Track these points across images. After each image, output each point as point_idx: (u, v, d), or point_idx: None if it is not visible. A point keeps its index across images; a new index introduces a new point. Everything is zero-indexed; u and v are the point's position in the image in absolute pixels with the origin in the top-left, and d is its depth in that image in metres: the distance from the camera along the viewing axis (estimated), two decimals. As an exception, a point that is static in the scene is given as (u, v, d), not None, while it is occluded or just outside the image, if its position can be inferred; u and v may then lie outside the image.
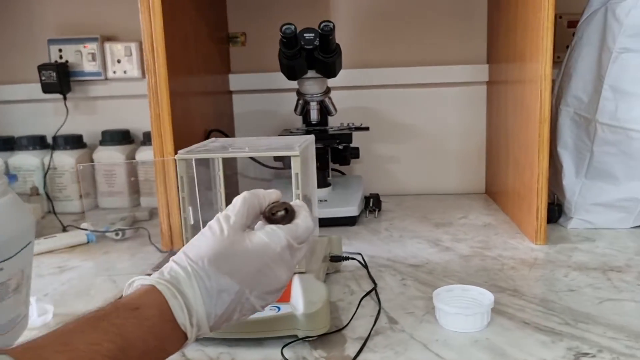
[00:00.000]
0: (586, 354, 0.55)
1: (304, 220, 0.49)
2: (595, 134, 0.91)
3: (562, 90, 0.98)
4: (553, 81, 1.04)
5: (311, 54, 0.95)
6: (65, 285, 0.80)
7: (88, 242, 0.99)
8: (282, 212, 0.48)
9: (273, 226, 0.48)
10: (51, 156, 1.20)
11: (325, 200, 1.04)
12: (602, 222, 0.94)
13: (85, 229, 1.01)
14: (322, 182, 1.07)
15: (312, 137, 0.71)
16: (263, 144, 0.65)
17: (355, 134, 1.15)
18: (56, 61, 1.24)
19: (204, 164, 0.73)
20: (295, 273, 0.62)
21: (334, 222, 1.01)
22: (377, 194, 1.12)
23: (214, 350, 0.58)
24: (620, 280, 0.73)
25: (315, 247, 0.71)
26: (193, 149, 0.63)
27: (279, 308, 0.59)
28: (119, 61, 1.25)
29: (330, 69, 0.98)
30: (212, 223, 0.46)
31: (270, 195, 0.50)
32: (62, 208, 1.21)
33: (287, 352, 0.57)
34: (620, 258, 0.81)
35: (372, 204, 1.09)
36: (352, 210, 1.02)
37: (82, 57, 1.24)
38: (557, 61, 1.07)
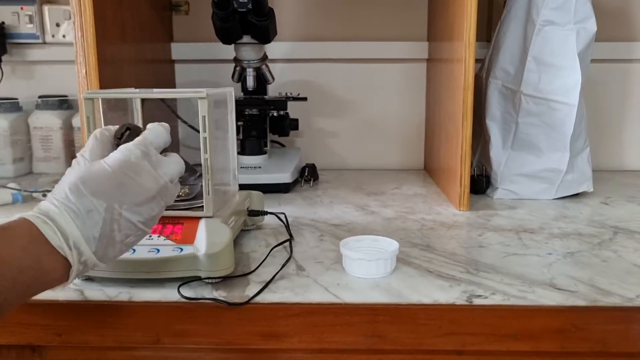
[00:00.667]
0: (479, 296, 0.56)
1: (151, 129, 0.52)
2: (520, 106, 0.93)
3: (491, 64, 1.00)
4: (484, 58, 1.07)
5: (245, 18, 0.95)
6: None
7: (14, 202, 0.97)
8: (125, 132, 0.52)
9: (124, 144, 0.50)
10: (-17, 119, 1.17)
11: (260, 167, 1.04)
12: (525, 192, 0.96)
13: (12, 189, 0.98)
14: (258, 150, 1.07)
15: (230, 89, 0.71)
16: (174, 90, 0.64)
17: (297, 108, 1.16)
18: (-9, 22, 1.21)
19: (123, 115, 0.72)
20: (202, 217, 0.62)
21: (268, 189, 1.00)
22: (313, 164, 1.12)
23: (113, 290, 0.58)
24: (530, 240, 0.75)
25: (230, 198, 0.71)
26: (102, 91, 0.63)
27: (181, 249, 0.59)
28: (58, 25, 1.22)
29: (264, 33, 0.98)
30: (72, 162, 0.49)
31: (117, 126, 0.53)
32: (-6, 172, 1.18)
33: (187, 292, 0.57)
34: (535, 222, 0.83)
35: (308, 173, 1.09)
36: (285, 177, 1.02)
37: (19, 19, 1.21)
38: (490, 40, 1.10)
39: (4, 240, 0.42)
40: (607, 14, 1.19)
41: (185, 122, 1.11)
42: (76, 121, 1.19)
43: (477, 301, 0.55)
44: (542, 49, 0.90)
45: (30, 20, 1.21)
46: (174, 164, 0.52)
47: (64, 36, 1.23)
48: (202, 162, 0.61)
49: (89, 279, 0.60)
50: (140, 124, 0.74)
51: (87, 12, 0.85)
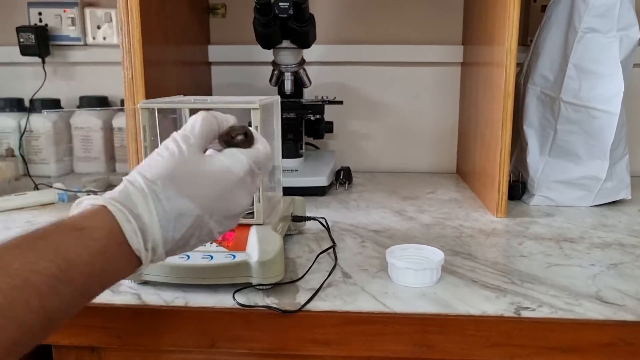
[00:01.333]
0: (527, 308, 0.57)
1: (263, 145, 0.48)
2: (559, 113, 0.93)
3: (530, 70, 1.00)
4: (522, 63, 1.07)
5: (285, 24, 0.96)
6: (32, 237, 0.81)
7: (60, 201, 1.00)
8: (241, 136, 0.46)
9: (234, 150, 0.46)
10: (28, 119, 1.20)
11: (296, 170, 1.06)
12: (563, 199, 0.96)
13: (58, 188, 1.02)
14: (295, 153, 1.09)
15: (277, 97, 0.73)
16: (228, 99, 0.66)
17: (331, 111, 1.17)
18: (35, 24, 1.24)
19: (172, 121, 0.74)
20: (253, 225, 0.64)
21: (304, 192, 1.02)
22: (348, 167, 1.14)
23: (169, 294, 0.60)
24: (571, 249, 0.75)
25: (276, 205, 0.73)
26: (157, 100, 0.65)
27: (234, 256, 0.60)
28: (98, 27, 1.25)
29: (304, 39, 0.99)
30: (169, 142, 0.43)
31: (227, 119, 0.48)
32: (38, 171, 1.22)
33: (240, 298, 0.59)
34: (575, 231, 0.84)
35: (343, 176, 1.11)
36: (321, 180, 1.03)
37: (62, 22, 1.25)
38: (528, 45, 1.10)
39: (79, 244, 0.38)
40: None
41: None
42: (116, 122, 1.21)
43: (524, 313, 0.56)
44: (584, 56, 0.89)
45: (73, 23, 1.24)
46: (266, 173, 0.50)
47: (104, 38, 1.26)
48: (254, 171, 0.63)
49: (145, 282, 0.62)
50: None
51: (134, 17, 0.87)
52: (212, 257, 0.60)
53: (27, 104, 1.25)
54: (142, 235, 0.41)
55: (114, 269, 0.41)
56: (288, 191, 1.00)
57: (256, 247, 0.60)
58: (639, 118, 1.21)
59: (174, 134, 0.45)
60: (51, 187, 1.03)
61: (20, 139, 1.21)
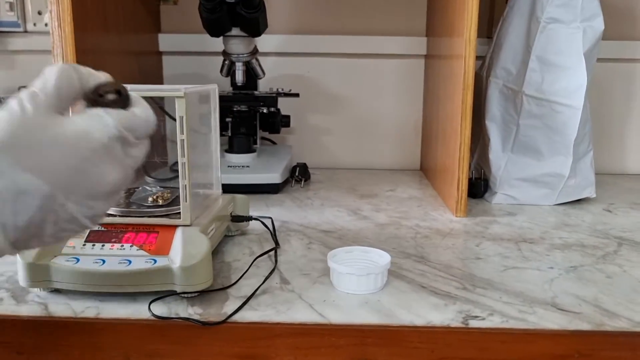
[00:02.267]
0: (476, 317, 0.52)
1: (142, 107, 0.39)
2: (521, 107, 0.89)
3: (492, 62, 0.96)
4: (484, 55, 1.02)
5: (233, 9, 0.90)
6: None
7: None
8: (113, 95, 0.37)
9: (97, 110, 0.36)
10: (-39, 110, 1.12)
11: (248, 166, 1.00)
12: (525, 197, 0.92)
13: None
14: (246, 148, 1.02)
15: (214, 86, 0.67)
16: (151, 88, 0.60)
17: (289, 104, 1.11)
18: (-30, 9, 1.16)
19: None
20: (178, 226, 0.57)
21: (256, 189, 0.97)
22: (305, 164, 1.08)
23: (80, 304, 0.53)
24: (530, 251, 0.71)
25: (211, 203, 0.67)
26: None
27: (155, 260, 0.54)
28: (39, 13, 1.17)
29: (254, 26, 0.93)
30: (11, 101, 0.34)
31: (98, 76, 0.38)
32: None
33: (161, 308, 0.53)
34: (536, 231, 0.79)
35: (299, 173, 1.05)
36: (274, 177, 0.97)
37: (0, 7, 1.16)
38: (491, 37, 1.05)
39: None
40: (612, 11, 1.14)
41: (173, 118, 1.07)
42: (58, 114, 1.14)
43: (473, 323, 0.51)
44: (546, 48, 0.85)
45: (11, 8, 1.16)
46: (146, 146, 0.39)
47: (46, 24, 1.18)
48: (179, 166, 0.57)
49: (56, 290, 0.55)
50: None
51: (65, 1, 0.80)
52: (130, 262, 0.54)
53: (-39, 94, 1.16)
54: None
55: None
56: (239, 189, 0.93)
57: (180, 250, 0.54)
58: (604, 113, 1.18)
59: (23, 90, 0.35)
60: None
61: (-47, 132, 1.12)
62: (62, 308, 0.53)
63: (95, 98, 0.37)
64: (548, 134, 0.88)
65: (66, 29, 0.81)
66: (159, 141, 1.22)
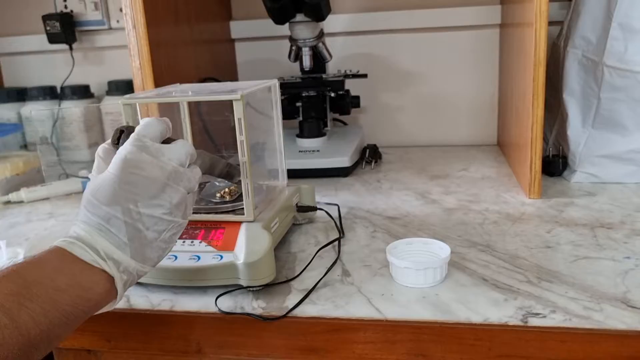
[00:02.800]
0: (537, 314, 0.51)
1: (143, 123, 0.50)
2: (602, 79, 0.83)
3: (570, 31, 0.89)
4: (562, 22, 0.95)
5: (296, -4, 0.90)
6: (48, 230, 0.82)
7: (84, 190, 1.01)
8: (120, 135, 0.50)
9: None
10: (59, 106, 1.22)
11: (318, 151, 1.01)
12: (608, 175, 0.87)
13: (82, 177, 1.03)
14: (317, 132, 1.04)
15: (274, 81, 0.68)
16: (211, 89, 0.62)
17: (359, 84, 1.11)
18: (61, 11, 1.25)
19: (172, 111, 0.72)
20: (243, 222, 0.60)
21: (326, 173, 0.98)
22: (375, 145, 1.08)
23: (158, 297, 0.58)
24: (606, 238, 0.67)
25: (276, 196, 0.69)
26: (142, 95, 0.62)
27: (221, 256, 0.58)
28: (121, 10, 1.24)
29: (317, 11, 0.93)
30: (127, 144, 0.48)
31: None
32: (71, 157, 1.24)
33: (228, 302, 0.56)
34: (616, 214, 0.75)
35: (369, 154, 1.05)
36: (343, 160, 0.98)
37: (86, 7, 1.24)
38: (569, 0, 0.98)
39: (34, 266, 0.42)
40: None
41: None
42: (142, 106, 1.21)
43: (533, 321, 0.50)
44: (630, 13, 0.78)
45: (96, 7, 1.24)
46: (179, 148, 0.50)
47: (128, 21, 1.25)
48: (241, 165, 0.59)
49: (138, 284, 0.60)
50: (186, 119, 0.74)
51: (137, 2, 0.84)
52: (199, 258, 0.58)
53: (59, 91, 1.26)
54: (89, 248, 0.44)
55: (84, 285, 0.43)
56: (309, 173, 0.96)
57: (244, 246, 0.57)
58: None
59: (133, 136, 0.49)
60: (76, 176, 1.05)
61: (54, 126, 1.23)
62: (142, 301, 0.58)
63: (116, 147, 0.50)
64: (633, 107, 0.81)
65: (140, 29, 0.85)
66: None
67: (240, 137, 0.58)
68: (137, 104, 0.60)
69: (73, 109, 1.22)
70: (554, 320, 0.50)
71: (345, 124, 1.20)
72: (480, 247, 0.67)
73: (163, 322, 0.56)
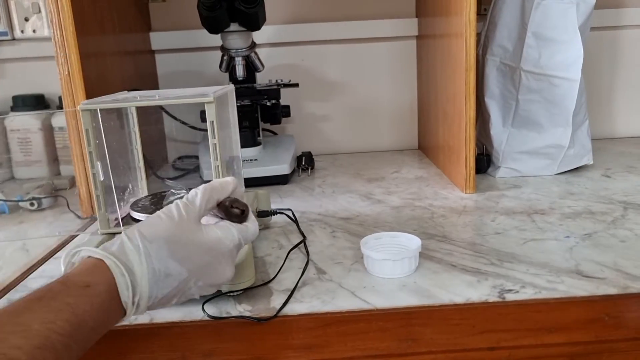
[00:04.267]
0: (510, 290, 0.55)
1: (253, 223, 0.51)
2: (520, 82, 0.92)
3: (487, 40, 0.98)
4: (479, 33, 1.04)
5: (232, 5, 0.90)
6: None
7: (0, 213, 0.92)
8: (238, 211, 0.49)
9: (227, 223, 0.49)
10: (-44, 124, 1.10)
11: (256, 159, 1.01)
12: (528, 169, 0.96)
13: (-4, 199, 0.93)
14: (252, 141, 1.04)
15: (231, 86, 0.68)
16: (178, 93, 0.61)
17: (286, 93, 1.12)
18: (-46, 20, 1.13)
19: (118, 119, 0.68)
20: (217, 227, 0.59)
21: (266, 181, 0.98)
22: (310, 152, 1.10)
23: (131, 311, 0.55)
24: (544, 222, 0.74)
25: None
26: (99, 100, 0.59)
27: (199, 263, 0.56)
28: (26, 19, 1.15)
29: (253, 21, 0.93)
30: (172, 207, 0.47)
31: (227, 185, 0.50)
32: (-27, 180, 1.12)
33: (210, 308, 0.54)
34: (544, 202, 0.83)
35: (305, 162, 1.07)
36: (283, 168, 0.99)
37: (-15, 15, 1.14)
38: (483, 14, 1.07)
39: (86, 301, 0.40)
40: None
41: (182, 122, 1.08)
42: (56, 121, 1.13)
43: (509, 296, 0.54)
44: (542, 23, 0.88)
45: (-3, 16, 1.14)
46: (252, 233, 0.51)
47: (34, 31, 1.16)
48: (213, 169, 0.58)
49: (103, 300, 0.56)
50: (135, 127, 0.71)
51: (65, 6, 0.79)
52: (175, 267, 0.55)
53: (-46, 107, 1.14)
54: (132, 289, 0.42)
55: (109, 321, 0.42)
56: (249, 182, 0.95)
57: (223, 251, 0.56)
58: (591, 80, 1.22)
59: (177, 201, 0.47)
60: (-12, 198, 0.95)
61: (-50, 146, 1.10)
62: (115, 316, 0.54)
63: (226, 209, 0.49)
64: (547, 107, 0.91)
65: (68, 37, 0.80)
66: (160, 139, 1.22)
67: (214, 141, 0.57)
68: (98, 110, 0.56)
69: (-26, 126, 1.10)
70: (527, 294, 0.54)
71: (275, 133, 1.21)
72: (438, 237, 0.71)
73: (142, 336, 0.53)
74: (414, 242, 0.62)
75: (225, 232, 0.48)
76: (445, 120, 0.98)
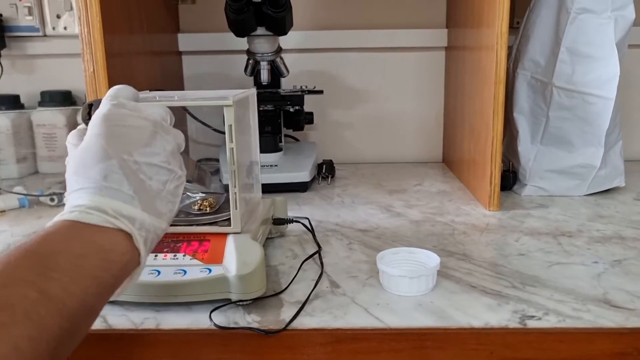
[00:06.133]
0: (532, 317, 0.52)
1: (113, 88, 0.48)
2: (551, 99, 0.89)
3: (519, 54, 0.95)
4: (510, 47, 1.02)
5: (259, 9, 0.89)
6: (-13, 249, 0.74)
7: (20, 207, 0.93)
8: (87, 109, 0.48)
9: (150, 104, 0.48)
10: (-16, 117, 1.11)
11: (276, 166, 1.00)
12: (556, 189, 0.92)
13: (17, 193, 0.94)
14: (274, 147, 1.02)
15: (252, 90, 0.66)
16: (199, 95, 0.60)
17: (310, 100, 1.11)
18: (-12, 14, 1.15)
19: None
20: (229, 233, 0.58)
21: (285, 188, 0.97)
22: (331, 160, 1.08)
23: (138, 315, 0.54)
24: (570, 245, 0.71)
25: (255, 207, 0.67)
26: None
27: (209, 270, 0.54)
28: (58, 16, 1.17)
29: (280, 25, 0.92)
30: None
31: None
32: (-3, 173, 1.13)
33: (218, 317, 0.53)
34: (572, 224, 0.79)
35: (325, 170, 1.05)
36: (303, 175, 0.97)
37: (18, 11, 1.15)
38: (516, 27, 1.05)
39: (43, 240, 0.37)
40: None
41: (205, 124, 1.07)
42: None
43: (531, 323, 0.51)
44: (577, 38, 0.85)
45: (30, 12, 1.15)
46: (156, 106, 0.48)
47: (65, 28, 1.18)
48: (229, 174, 0.57)
49: (111, 302, 0.55)
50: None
51: (94, 5, 0.79)
52: (185, 272, 0.54)
53: (-17, 100, 1.15)
54: (95, 210, 0.40)
55: (105, 247, 0.40)
56: (267, 188, 0.93)
57: (234, 259, 0.55)
58: (630, 100, 1.18)
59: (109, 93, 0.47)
60: (10, 192, 0.96)
61: (-23, 139, 1.12)
62: (121, 320, 0.53)
63: (88, 120, 0.47)
64: (579, 125, 0.88)
65: (95, 34, 0.81)
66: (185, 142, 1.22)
67: (231, 145, 0.56)
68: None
69: (2, 119, 1.11)
70: (550, 322, 0.52)
71: (297, 140, 1.20)
72: (457, 256, 0.68)
73: (148, 342, 0.52)
74: (432, 260, 0.60)
75: (96, 114, 0.45)
76: (472, 134, 0.96)
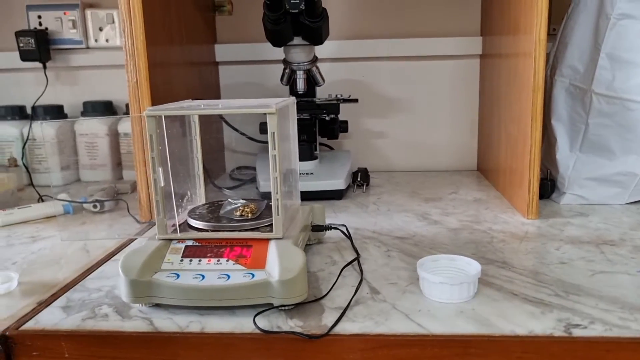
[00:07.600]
0: (577, 325, 0.52)
1: None
2: (590, 105, 0.87)
3: (557, 61, 0.94)
4: (548, 53, 1.01)
5: (297, 19, 0.91)
6: (35, 254, 0.76)
7: (65, 213, 0.96)
8: None
9: None
10: (30, 126, 1.16)
11: (312, 173, 1.01)
12: (596, 197, 0.91)
13: (62, 200, 0.97)
14: (309, 155, 1.04)
15: (292, 99, 0.68)
16: (240, 104, 0.61)
17: (344, 109, 1.12)
18: (35, 28, 1.20)
19: (181, 127, 0.70)
20: (271, 239, 0.59)
21: (321, 196, 0.98)
22: (366, 168, 1.09)
23: (184, 318, 0.55)
24: (613, 254, 0.70)
25: (295, 214, 0.68)
26: (164, 107, 0.60)
27: (253, 275, 0.55)
28: (100, 29, 1.21)
29: (316, 35, 0.94)
30: None
31: None
32: (42, 180, 1.17)
33: (261, 321, 0.54)
34: (614, 232, 0.78)
35: (360, 178, 1.06)
36: (338, 183, 0.98)
37: (62, 25, 1.20)
38: (552, 34, 1.03)
39: None
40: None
41: (241, 132, 1.09)
42: (122, 127, 1.17)
43: (576, 332, 0.51)
44: (617, 44, 0.83)
45: (74, 26, 1.20)
46: None
47: (106, 40, 1.22)
48: (272, 180, 0.58)
49: (156, 305, 0.57)
50: (197, 136, 0.72)
51: (137, 17, 0.82)
52: (229, 277, 0.55)
53: (29, 111, 1.20)
54: None
55: None
56: (304, 195, 0.94)
57: (277, 264, 0.55)
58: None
59: None
60: (55, 198, 0.99)
61: (23, 147, 1.16)
62: (167, 323, 0.54)
63: None
64: (620, 132, 0.86)
65: (138, 44, 0.83)
66: (219, 149, 1.24)
67: (273, 152, 0.57)
68: (163, 116, 0.57)
69: (46, 129, 1.16)
70: (596, 330, 0.51)
71: (332, 148, 1.21)
72: (497, 263, 0.68)
73: (193, 345, 0.53)
74: (473, 267, 0.60)
75: None
76: (509, 142, 0.95)
